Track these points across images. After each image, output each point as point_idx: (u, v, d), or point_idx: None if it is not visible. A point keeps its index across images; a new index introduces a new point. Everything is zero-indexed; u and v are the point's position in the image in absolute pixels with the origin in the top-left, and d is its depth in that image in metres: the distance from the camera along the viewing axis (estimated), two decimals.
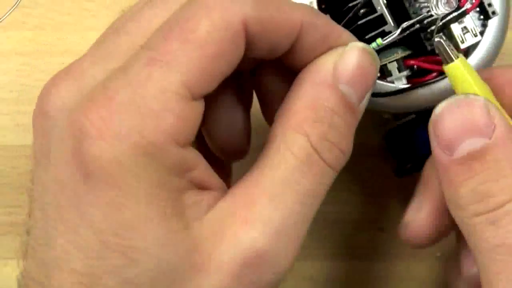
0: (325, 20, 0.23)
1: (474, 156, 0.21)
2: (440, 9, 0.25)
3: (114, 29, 0.22)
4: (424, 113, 0.30)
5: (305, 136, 0.21)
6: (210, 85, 0.20)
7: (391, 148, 0.33)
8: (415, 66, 0.28)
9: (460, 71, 0.24)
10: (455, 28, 0.28)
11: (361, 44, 0.23)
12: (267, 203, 0.21)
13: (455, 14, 0.27)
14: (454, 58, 0.24)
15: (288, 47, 0.22)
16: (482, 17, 0.29)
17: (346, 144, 0.23)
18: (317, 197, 0.22)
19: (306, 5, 0.23)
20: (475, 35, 0.28)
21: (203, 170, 0.21)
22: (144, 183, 0.19)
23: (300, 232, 0.22)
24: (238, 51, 0.21)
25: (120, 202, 0.19)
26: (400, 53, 0.28)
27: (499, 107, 0.23)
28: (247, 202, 0.21)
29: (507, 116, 0.23)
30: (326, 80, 0.22)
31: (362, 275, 0.37)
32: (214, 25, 0.20)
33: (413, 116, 0.31)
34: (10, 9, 0.35)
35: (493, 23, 0.29)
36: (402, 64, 0.28)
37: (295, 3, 0.22)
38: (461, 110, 0.21)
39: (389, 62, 0.28)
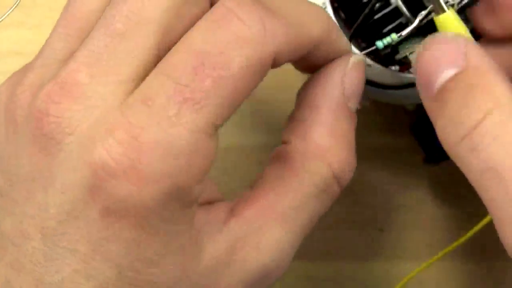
0: (337, 32, 0.23)
1: (447, 87, 0.20)
2: None
3: (100, 20, 0.20)
4: None
5: (328, 166, 0.22)
6: (231, 115, 0.20)
7: (418, 139, 0.33)
8: None
9: (451, 21, 0.23)
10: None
11: (358, 57, 0.24)
12: (280, 228, 0.21)
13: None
14: (446, 9, 0.23)
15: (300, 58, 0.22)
16: None
17: (355, 159, 0.23)
18: (322, 212, 0.23)
19: (322, 11, 0.23)
20: None
21: (208, 186, 0.21)
22: (167, 223, 0.19)
23: (299, 243, 0.23)
24: (264, 77, 0.20)
25: (141, 240, 0.19)
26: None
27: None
28: (260, 226, 0.21)
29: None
30: (339, 103, 0.23)
31: (362, 275, 0.37)
32: (247, 61, 0.19)
33: None
34: (10, 9, 0.35)
35: None
36: None
37: (313, 10, 0.22)
38: (435, 46, 0.21)
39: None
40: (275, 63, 0.20)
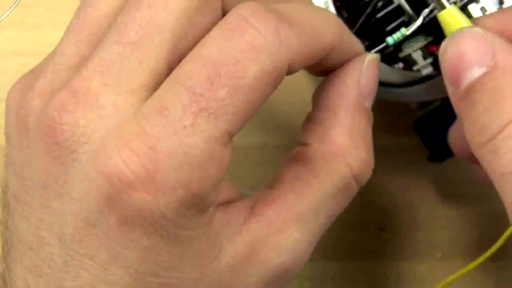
0: (348, 35, 0.23)
1: (474, 87, 0.21)
2: None
3: (112, 27, 0.20)
4: (449, 98, 0.30)
5: (348, 166, 0.22)
6: (246, 123, 0.20)
7: (422, 137, 0.33)
8: (437, 52, 0.28)
9: (454, 16, 0.23)
10: (473, 8, 0.28)
11: (373, 56, 0.24)
12: (299, 229, 0.21)
13: None
14: (447, 5, 0.23)
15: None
16: None
17: (373, 159, 0.24)
18: (339, 211, 0.23)
19: (333, 17, 0.23)
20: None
21: (224, 188, 0.21)
22: (184, 230, 0.19)
23: (316, 243, 0.23)
24: (278, 85, 0.20)
25: (159, 247, 0.19)
26: (423, 41, 0.28)
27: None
28: (279, 227, 0.21)
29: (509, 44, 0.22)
30: (357, 104, 0.23)
31: (362, 275, 0.37)
32: (263, 70, 0.19)
33: (439, 102, 0.31)
34: (9, 9, 0.35)
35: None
36: (426, 52, 0.28)
37: (325, 16, 0.22)
38: (459, 42, 0.21)
39: (414, 51, 0.28)
40: (290, 71, 0.20)
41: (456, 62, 0.21)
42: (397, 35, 0.25)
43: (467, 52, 0.21)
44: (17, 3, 0.36)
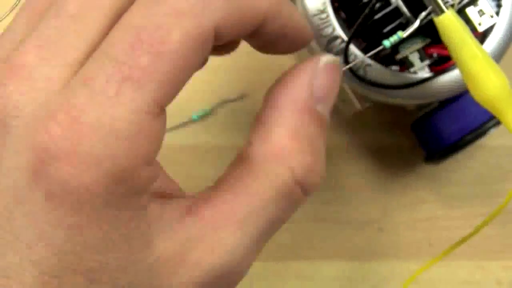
0: (288, 5, 0.22)
1: None
2: None
3: (53, 4, 0.20)
4: (446, 100, 0.30)
5: (289, 170, 0.21)
6: (177, 93, 0.19)
7: (419, 138, 0.34)
8: (434, 54, 0.28)
9: (451, 21, 0.23)
10: (471, 11, 0.28)
11: (331, 58, 0.22)
12: (236, 230, 0.20)
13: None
14: (445, 9, 0.23)
15: (250, 33, 0.21)
16: None
17: (324, 166, 0.22)
18: (285, 219, 0.22)
19: None
20: (492, 16, 0.28)
21: (163, 177, 0.21)
22: (111, 208, 0.18)
23: (259, 249, 0.22)
24: (207, 53, 0.20)
25: (83, 225, 0.18)
26: (419, 43, 0.28)
27: (488, 57, 0.22)
28: (215, 227, 0.20)
29: None
30: (305, 105, 0.22)
31: (361, 275, 0.37)
32: (186, 34, 0.18)
33: (436, 104, 0.31)
34: (10, 9, 0.35)
35: (507, 2, 0.29)
36: (423, 54, 0.28)
37: None
38: None
39: (411, 53, 0.28)
40: (218, 38, 0.19)
41: None
42: (394, 38, 0.25)
43: None
44: (18, 3, 0.36)
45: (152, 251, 0.20)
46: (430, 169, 0.37)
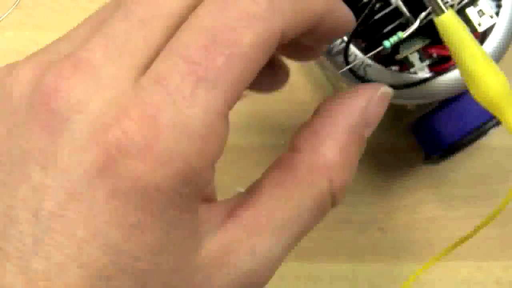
0: (339, 2, 0.23)
1: None
2: None
3: (120, 9, 0.20)
4: (446, 100, 0.30)
5: (329, 182, 0.22)
6: (241, 95, 0.20)
7: (418, 139, 0.34)
8: (434, 54, 0.28)
9: (451, 21, 0.23)
10: (471, 12, 0.28)
11: (387, 90, 0.24)
12: (273, 236, 0.21)
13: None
14: (445, 10, 0.23)
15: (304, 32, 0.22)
16: None
17: (350, 184, 0.23)
18: (311, 229, 0.22)
19: None
20: (491, 17, 0.28)
21: (213, 183, 0.21)
22: (175, 209, 0.19)
23: (285, 256, 0.22)
24: (272, 54, 0.20)
25: (145, 225, 0.18)
26: (419, 43, 0.28)
27: (487, 57, 0.23)
28: (255, 231, 0.21)
29: None
30: (357, 128, 0.23)
31: (362, 275, 0.37)
32: (257, 37, 0.19)
33: (436, 104, 0.31)
34: (10, 9, 0.35)
35: (507, 2, 0.29)
36: (423, 54, 0.28)
37: None
38: None
39: (411, 53, 0.28)
40: (283, 39, 0.20)
41: None
42: (393, 39, 0.25)
43: None
44: (17, 3, 0.36)
45: (200, 252, 0.20)
46: (430, 169, 0.37)
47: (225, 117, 0.19)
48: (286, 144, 0.23)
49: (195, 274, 0.20)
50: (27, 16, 0.37)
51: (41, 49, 0.21)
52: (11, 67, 0.20)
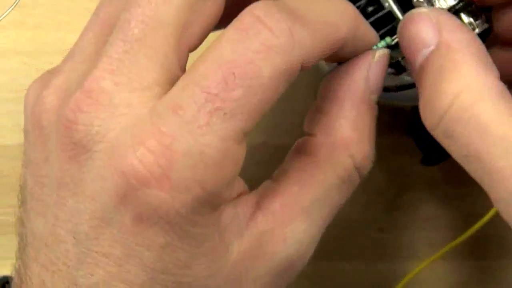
0: (364, 27, 0.23)
1: (423, 67, 0.21)
2: (445, 2, 0.25)
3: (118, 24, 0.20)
4: None
5: (351, 158, 0.22)
6: (259, 121, 0.20)
7: (415, 140, 0.34)
8: None
9: None
10: (465, 16, 0.28)
11: (382, 51, 0.24)
12: (304, 220, 0.22)
13: (461, 4, 0.26)
14: None
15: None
16: None
17: (374, 151, 0.24)
18: (343, 203, 0.24)
19: (349, 7, 0.23)
20: (485, 21, 0.28)
21: (236, 184, 0.22)
22: (199, 228, 0.19)
23: (321, 234, 0.23)
24: (291, 82, 0.21)
25: (174, 245, 0.19)
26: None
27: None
28: (285, 220, 0.21)
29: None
30: (363, 97, 0.23)
31: (362, 275, 0.37)
32: (276, 71, 0.19)
33: None
34: (9, 8, 0.35)
35: None
36: None
37: (340, 8, 0.22)
38: (409, 24, 0.22)
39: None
40: (303, 67, 0.20)
41: (408, 45, 0.22)
42: (381, 43, 0.25)
43: (416, 33, 0.22)
44: (17, 3, 0.36)
45: (232, 252, 0.21)
46: (429, 169, 0.37)
47: (240, 142, 0.19)
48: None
49: (230, 273, 0.21)
50: (27, 16, 0.37)
51: (56, 70, 0.22)
52: (38, 95, 0.21)
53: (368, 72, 0.23)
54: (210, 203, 0.19)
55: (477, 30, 0.27)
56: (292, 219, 0.22)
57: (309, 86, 0.37)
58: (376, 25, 0.27)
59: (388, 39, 0.25)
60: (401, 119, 0.35)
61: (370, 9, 0.27)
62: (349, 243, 0.37)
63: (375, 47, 0.25)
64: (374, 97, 0.24)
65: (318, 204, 0.22)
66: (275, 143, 0.37)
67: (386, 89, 0.28)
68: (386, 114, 0.36)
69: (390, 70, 0.29)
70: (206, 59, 0.19)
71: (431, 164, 0.34)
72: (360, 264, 0.37)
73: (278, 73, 0.19)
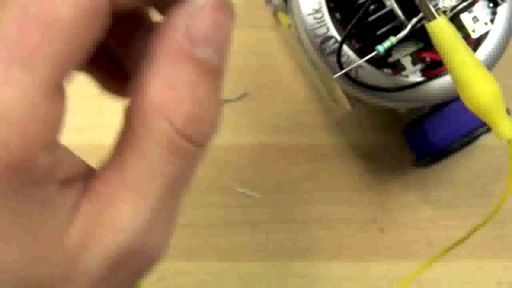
0: None
1: None
2: (448, 1, 0.25)
3: None
4: (437, 105, 0.30)
5: (167, 121, 0.19)
6: (77, 68, 0.18)
7: (409, 142, 0.33)
8: (427, 59, 0.28)
9: (443, 29, 0.23)
10: (465, 18, 0.28)
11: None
12: (134, 199, 0.19)
13: (464, 4, 0.26)
14: (437, 16, 0.23)
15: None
16: (491, 4, 0.28)
17: (213, 114, 0.20)
18: (187, 178, 0.20)
19: None
20: (486, 24, 0.28)
21: (68, 164, 0.19)
22: (8, 201, 0.17)
23: (172, 216, 0.20)
24: (105, 23, 0.18)
25: None
26: (413, 47, 0.28)
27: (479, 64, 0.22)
28: (112, 200, 0.19)
29: None
30: (181, 49, 0.19)
31: (362, 275, 0.37)
32: (77, 8, 0.17)
33: (428, 109, 0.31)
34: None
35: (503, 10, 0.28)
36: (416, 58, 0.28)
37: None
38: None
39: (403, 57, 0.28)
40: (118, 7, 0.18)
41: None
42: (387, 43, 0.25)
43: None
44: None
45: (62, 242, 0.18)
46: (430, 170, 0.37)
47: (52, 96, 0.17)
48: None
49: (64, 264, 0.18)
50: None
51: None
52: None
53: (190, 18, 0.19)
54: (20, 171, 0.17)
55: None
56: (119, 202, 0.19)
57: (306, 89, 0.38)
58: (378, 24, 0.27)
59: (393, 38, 0.25)
60: (395, 121, 0.35)
61: (372, 7, 0.27)
62: (349, 243, 0.37)
63: (380, 47, 0.25)
64: (205, 51, 0.19)
65: (147, 181, 0.19)
66: (274, 143, 0.37)
67: (382, 89, 0.28)
68: (384, 115, 0.37)
69: (387, 70, 0.29)
70: (5, 4, 0.17)
71: (424, 167, 0.34)
72: (360, 264, 0.37)
73: (81, 10, 0.17)
